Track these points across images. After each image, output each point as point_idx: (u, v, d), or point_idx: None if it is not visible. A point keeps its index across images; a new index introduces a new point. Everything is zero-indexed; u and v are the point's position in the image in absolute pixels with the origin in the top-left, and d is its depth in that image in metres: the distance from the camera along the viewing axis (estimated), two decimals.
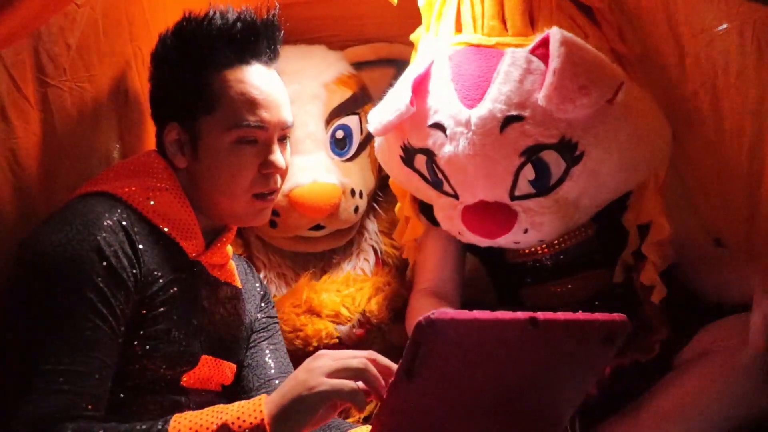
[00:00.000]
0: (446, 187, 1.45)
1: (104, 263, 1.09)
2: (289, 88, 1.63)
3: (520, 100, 1.31)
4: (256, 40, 1.25)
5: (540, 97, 1.28)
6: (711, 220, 1.54)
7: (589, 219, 1.50)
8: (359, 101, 1.70)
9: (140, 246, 1.14)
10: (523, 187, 1.36)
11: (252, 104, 1.22)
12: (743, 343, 1.29)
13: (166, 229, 1.20)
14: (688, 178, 1.54)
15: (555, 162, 1.34)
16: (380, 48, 1.82)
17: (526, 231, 1.39)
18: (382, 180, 1.82)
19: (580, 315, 0.99)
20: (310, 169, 1.65)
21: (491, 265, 1.71)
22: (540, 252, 1.57)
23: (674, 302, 1.55)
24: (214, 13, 1.23)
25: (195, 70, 1.22)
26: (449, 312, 0.90)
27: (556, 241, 1.54)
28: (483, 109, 1.33)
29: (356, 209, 1.72)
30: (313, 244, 1.76)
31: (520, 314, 0.95)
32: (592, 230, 1.54)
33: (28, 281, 1.09)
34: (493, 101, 1.32)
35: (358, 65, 1.81)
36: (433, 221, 1.61)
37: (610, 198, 1.44)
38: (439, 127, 1.39)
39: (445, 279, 1.64)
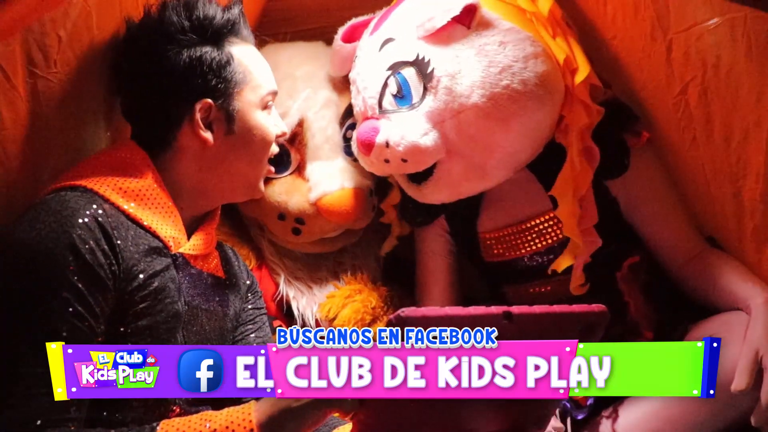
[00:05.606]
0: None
1: (79, 261, 1.07)
2: (302, 93, 1.67)
3: (398, 26, 1.51)
4: (245, 24, 1.35)
5: (410, 21, 1.47)
6: (702, 218, 1.54)
7: (547, 201, 1.55)
8: None
9: (118, 242, 1.13)
10: (389, 101, 1.49)
11: (267, 73, 1.34)
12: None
13: (145, 223, 1.19)
14: (678, 176, 1.54)
15: (413, 78, 1.45)
16: None
17: (387, 145, 1.46)
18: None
19: (556, 308, 1.00)
20: (336, 176, 1.65)
21: (474, 263, 1.74)
22: (514, 253, 1.61)
23: (662, 303, 1.57)
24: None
25: (216, 48, 1.27)
26: (420, 309, 0.95)
27: (529, 244, 1.59)
28: (375, 34, 1.54)
29: (373, 207, 1.74)
30: (331, 244, 1.76)
31: (494, 308, 0.97)
32: (562, 231, 1.54)
33: (1, 281, 1.07)
34: (383, 28, 1.53)
35: None
36: (415, 222, 1.72)
37: (490, 141, 1.45)
38: (357, 57, 1.59)
39: (435, 282, 1.72)
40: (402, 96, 1.47)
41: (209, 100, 1.25)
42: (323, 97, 1.68)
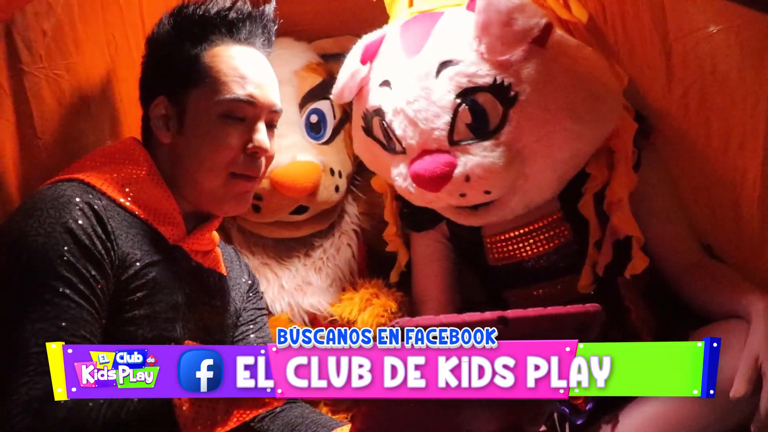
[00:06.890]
0: (397, 146, 1.48)
1: (78, 244, 1.09)
2: None
3: (454, 47, 1.37)
4: (251, 25, 1.27)
5: (471, 42, 1.35)
6: (700, 224, 1.53)
7: (555, 201, 1.51)
8: (329, 87, 1.70)
9: (114, 229, 1.13)
10: (462, 131, 1.38)
11: (242, 79, 1.22)
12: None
13: (142, 216, 1.19)
14: (678, 182, 1.53)
15: (491, 104, 1.36)
16: (344, 41, 1.80)
17: (467, 179, 1.38)
18: (359, 164, 1.84)
19: (551, 309, 1.00)
20: (288, 150, 1.65)
21: (475, 268, 1.71)
22: (519, 255, 1.58)
23: (663, 309, 1.55)
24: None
25: (187, 45, 1.23)
26: (415, 319, 0.95)
27: (535, 245, 1.56)
28: (420, 56, 1.40)
29: (337, 188, 1.74)
30: (296, 229, 1.76)
31: (489, 314, 0.96)
32: (568, 231, 1.54)
33: (4, 269, 1.08)
34: (430, 49, 1.39)
35: (325, 57, 1.83)
36: (416, 227, 1.69)
37: (564, 158, 1.41)
38: (386, 83, 1.46)
39: (432, 287, 1.70)
40: (478, 124, 1.36)
41: (163, 96, 1.23)
42: (280, 78, 1.66)
